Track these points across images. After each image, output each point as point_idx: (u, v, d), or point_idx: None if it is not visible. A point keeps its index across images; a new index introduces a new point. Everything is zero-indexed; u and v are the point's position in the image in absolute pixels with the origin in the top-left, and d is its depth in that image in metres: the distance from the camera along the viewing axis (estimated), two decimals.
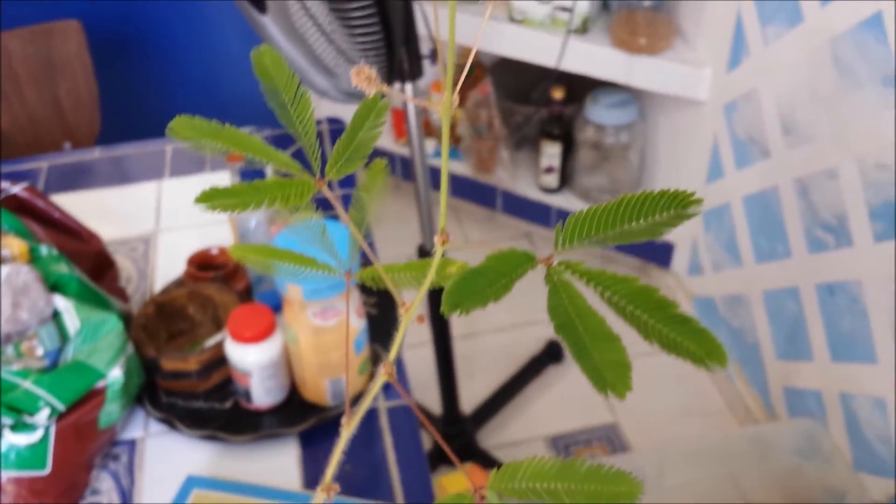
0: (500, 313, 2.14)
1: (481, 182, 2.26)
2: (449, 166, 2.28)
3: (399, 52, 1.21)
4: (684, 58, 1.71)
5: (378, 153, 2.37)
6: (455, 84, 0.32)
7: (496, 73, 2.24)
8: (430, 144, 2.32)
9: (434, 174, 2.27)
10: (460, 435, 1.78)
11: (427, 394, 1.83)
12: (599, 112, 1.99)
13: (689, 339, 0.27)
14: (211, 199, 0.34)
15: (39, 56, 1.57)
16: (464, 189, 2.32)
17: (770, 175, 1.56)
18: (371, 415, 0.93)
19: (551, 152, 2.12)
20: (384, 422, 0.92)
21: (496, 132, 2.18)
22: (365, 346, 0.92)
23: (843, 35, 1.28)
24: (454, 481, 1.64)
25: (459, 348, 1.97)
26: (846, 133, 1.31)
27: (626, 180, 2.11)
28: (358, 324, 0.88)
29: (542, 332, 2.08)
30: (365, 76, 0.32)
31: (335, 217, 1.16)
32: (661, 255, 2.08)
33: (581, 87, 2.05)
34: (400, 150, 2.37)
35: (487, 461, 1.77)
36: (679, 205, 0.28)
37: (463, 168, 2.27)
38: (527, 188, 2.22)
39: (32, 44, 1.56)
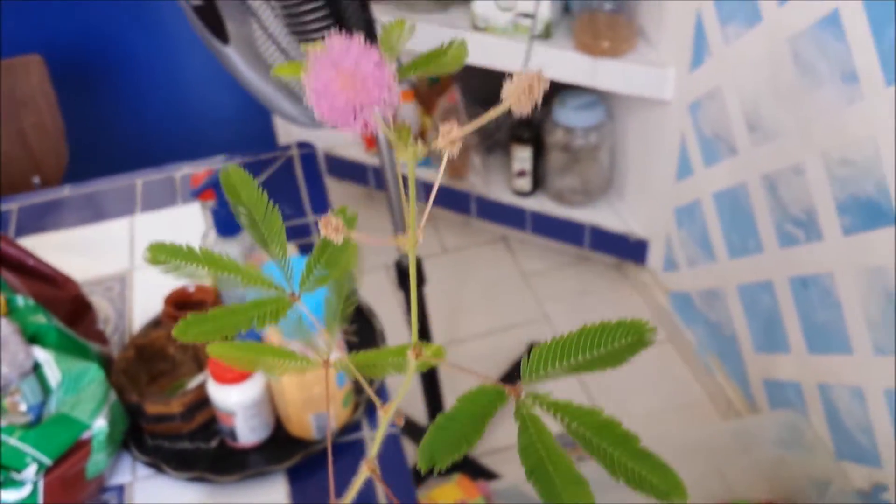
0: (481, 319, 2.16)
1: (455, 188, 2.27)
2: (422, 174, 2.29)
3: None
4: (647, 59, 1.73)
5: (349, 164, 2.37)
6: (419, 223, 0.32)
7: (463, 80, 2.25)
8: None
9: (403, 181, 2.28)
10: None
11: (412, 404, 1.83)
12: (567, 114, 2.00)
13: (652, 473, 0.29)
14: (188, 329, 0.34)
15: (2, 92, 1.56)
16: (438, 196, 2.33)
17: (738, 171, 1.58)
18: (357, 446, 0.93)
19: (522, 156, 2.13)
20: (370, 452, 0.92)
21: (466, 139, 2.19)
22: (347, 378, 0.93)
23: (802, 33, 1.29)
24: (444, 493, 1.65)
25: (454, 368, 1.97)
26: (810, 129, 1.33)
27: (597, 180, 2.13)
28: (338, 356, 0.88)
29: (523, 334, 2.09)
30: (332, 227, 0.32)
31: (310, 246, 1.16)
32: (635, 252, 2.09)
33: (548, 91, 2.06)
34: (371, 160, 2.37)
35: (476, 470, 1.78)
36: (637, 333, 0.29)
37: (434, 175, 2.28)
38: (500, 192, 2.23)
39: None
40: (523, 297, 2.21)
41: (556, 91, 2.03)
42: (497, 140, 2.28)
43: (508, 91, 0.32)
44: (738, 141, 1.55)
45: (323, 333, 0.41)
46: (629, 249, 2.10)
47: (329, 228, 0.33)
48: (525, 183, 2.18)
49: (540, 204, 2.19)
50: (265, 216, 0.38)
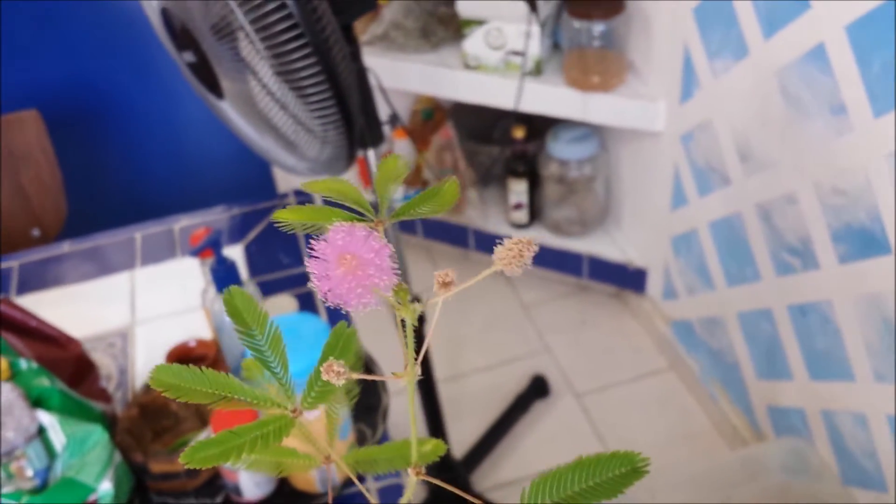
0: (482, 352, 2.16)
1: (452, 222, 2.28)
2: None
3: (358, 122, 1.22)
4: (637, 92, 1.75)
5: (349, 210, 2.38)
6: (416, 358, 0.34)
7: (457, 116, 2.27)
8: (399, 190, 2.33)
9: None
10: (454, 480, 1.79)
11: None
12: (561, 148, 2.02)
13: None
14: (195, 455, 0.35)
15: (1, 148, 1.57)
16: (436, 230, 2.34)
17: (732, 201, 1.60)
18: (360, 498, 0.94)
19: (518, 189, 2.14)
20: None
21: (462, 173, 2.21)
22: (350, 430, 0.93)
23: (789, 67, 1.31)
24: None
25: (445, 391, 1.97)
26: (801, 159, 1.35)
27: (593, 210, 2.14)
28: (342, 413, 0.89)
29: (526, 368, 2.10)
30: (335, 372, 0.33)
31: (309, 294, 1.17)
32: (635, 281, 2.10)
33: (542, 124, 2.08)
34: (367, 196, 2.38)
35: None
36: (630, 462, 0.30)
37: (430, 211, 2.29)
38: (497, 225, 2.25)
39: None
40: (524, 328, 2.22)
41: (550, 125, 2.05)
42: (493, 174, 2.30)
43: (499, 255, 0.34)
44: (730, 171, 1.57)
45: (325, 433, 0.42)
46: (628, 278, 2.11)
47: (331, 374, 0.34)
48: (522, 215, 2.20)
49: (537, 235, 2.20)
50: (268, 338, 0.39)
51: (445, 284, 0.34)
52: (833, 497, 1.51)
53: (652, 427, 1.95)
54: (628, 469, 0.30)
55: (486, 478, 1.88)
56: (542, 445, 1.94)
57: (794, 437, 1.60)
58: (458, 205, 2.25)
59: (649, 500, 1.57)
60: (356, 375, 0.35)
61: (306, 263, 0.33)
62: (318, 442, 0.42)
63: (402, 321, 0.36)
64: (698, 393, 1.94)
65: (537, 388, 2.02)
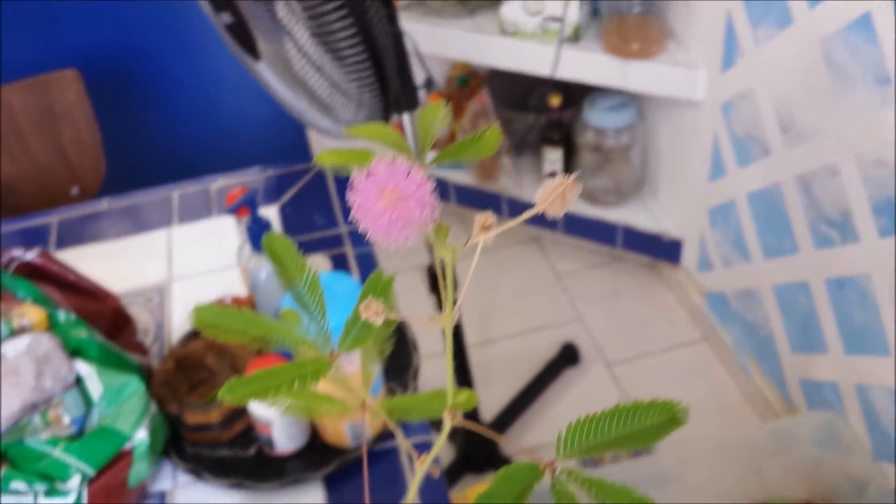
0: (513, 319, 2.16)
1: (486, 190, 2.28)
2: (453, 177, 2.30)
3: (394, 86, 1.22)
4: (677, 60, 1.72)
5: None
6: (455, 302, 0.34)
7: (493, 83, 2.25)
8: (431, 155, 2.33)
9: (439, 186, 2.29)
10: (483, 444, 1.80)
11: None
12: (598, 116, 2.00)
13: None
14: (234, 391, 0.36)
15: (40, 107, 1.59)
16: (469, 198, 2.33)
17: (772, 172, 1.57)
18: (392, 454, 0.95)
19: (553, 158, 2.13)
20: (404, 460, 0.94)
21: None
22: (381, 387, 0.94)
23: (833, 36, 1.28)
24: (479, 492, 1.67)
25: (475, 356, 1.98)
26: (844, 131, 1.32)
27: (629, 180, 2.12)
28: (374, 369, 0.90)
29: (557, 335, 2.10)
30: (373, 311, 0.33)
31: (342, 256, 1.18)
32: (669, 251, 2.09)
33: (578, 92, 2.06)
34: None
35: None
36: (669, 412, 0.30)
37: (466, 177, 2.29)
38: (532, 193, 2.23)
39: (33, 95, 1.58)
40: (556, 297, 2.21)
41: (587, 93, 2.03)
42: (528, 142, 2.28)
43: (541, 196, 0.33)
44: (771, 142, 1.54)
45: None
46: (663, 249, 2.10)
47: (370, 312, 0.34)
48: None
49: (572, 205, 2.19)
50: (305, 280, 0.39)
51: (486, 227, 0.34)
52: (864, 471, 1.49)
53: (682, 398, 1.93)
54: (666, 418, 0.30)
55: (514, 442, 1.89)
56: (571, 412, 1.93)
57: (827, 410, 1.58)
58: (491, 172, 2.25)
59: (679, 469, 1.57)
60: (393, 315, 0.35)
61: (348, 197, 0.33)
62: (354, 389, 0.42)
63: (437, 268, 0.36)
64: (731, 365, 1.93)
65: (568, 356, 2.02)
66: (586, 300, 2.20)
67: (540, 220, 2.29)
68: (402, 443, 0.38)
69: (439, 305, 1.61)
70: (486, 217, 0.34)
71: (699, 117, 1.77)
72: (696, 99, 1.73)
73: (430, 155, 0.36)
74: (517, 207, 2.26)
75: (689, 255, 2.04)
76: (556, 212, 0.33)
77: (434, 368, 1.96)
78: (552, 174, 2.16)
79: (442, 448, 0.96)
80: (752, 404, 1.88)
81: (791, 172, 1.50)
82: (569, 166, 2.15)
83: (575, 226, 2.20)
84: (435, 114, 0.40)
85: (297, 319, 0.40)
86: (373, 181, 0.33)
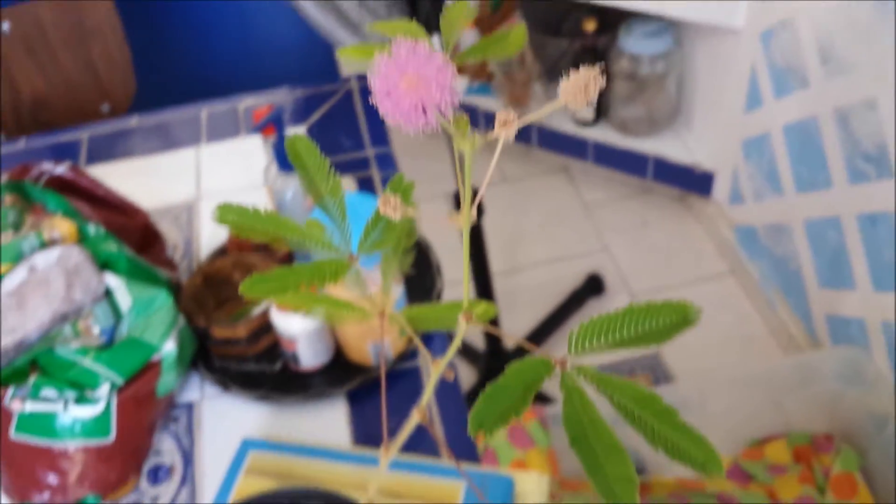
0: (539, 248, 2.16)
1: None
2: (481, 102, 2.27)
3: (424, 5, 1.20)
4: None
5: None
6: (473, 199, 0.33)
7: (526, 7, 2.21)
8: (462, 81, 2.31)
9: (463, 110, 2.27)
10: (504, 370, 1.82)
11: (470, 330, 1.86)
12: (634, 42, 1.96)
13: (691, 445, 0.30)
14: (253, 286, 0.36)
15: (71, 22, 1.59)
16: None
17: (809, 104, 1.54)
18: (413, 374, 0.96)
19: None
20: (426, 378, 0.95)
21: (528, 67, 2.16)
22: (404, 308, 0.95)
23: None
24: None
25: (500, 284, 1.99)
26: (885, 64, 1.28)
27: (663, 110, 2.09)
28: (395, 290, 0.91)
29: (582, 266, 2.10)
30: (391, 205, 0.33)
31: (369, 179, 1.18)
32: (701, 184, 2.06)
33: (614, 17, 2.01)
34: None
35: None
36: (682, 313, 0.30)
37: (495, 104, 2.26)
38: (562, 122, 2.21)
39: (63, 11, 1.58)
40: (584, 227, 2.21)
41: (623, 18, 1.98)
42: (560, 68, 2.24)
43: (564, 88, 0.32)
44: (810, 73, 1.50)
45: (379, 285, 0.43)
46: (694, 181, 2.07)
47: (388, 207, 0.34)
48: (588, 112, 2.15)
49: (603, 133, 2.16)
50: (328, 183, 0.39)
51: (506, 123, 0.33)
52: (886, 408, 1.49)
53: (706, 330, 1.94)
54: (679, 318, 0.30)
55: None
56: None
57: (851, 346, 1.58)
58: (522, 99, 2.22)
59: (698, 399, 1.58)
60: (412, 212, 0.35)
61: (369, 79, 0.33)
62: (374, 296, 0.42)
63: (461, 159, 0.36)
64: (757, 299, 1.92)
65: (592, 286, 2.02)
66: (614, 231, 2.19)
67: (570, 149, 2.27)
68: (423, 351, 0.38)
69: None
70: (507, 113, 0.33)
71: (738, 46, 1.72)
72: (736, 26, 1.69)
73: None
74: (547, 136, 2.23)
75: (720, 188, 2.02)
76: (579, 105, 0.32)
77: (453, 295, 1.97)
78: None
79: (464, 373, 0.97)
80: (776, 339, 1.88)
81: (829, 105, 1.47)
82: (602, 94, 2.12)
83: (605, 156, 2.18)
84: (460, 11, 0.39)
85: (321, 229, 0.40)
86: (394, 64, 0.32)
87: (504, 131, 0.33)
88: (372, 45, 0.37)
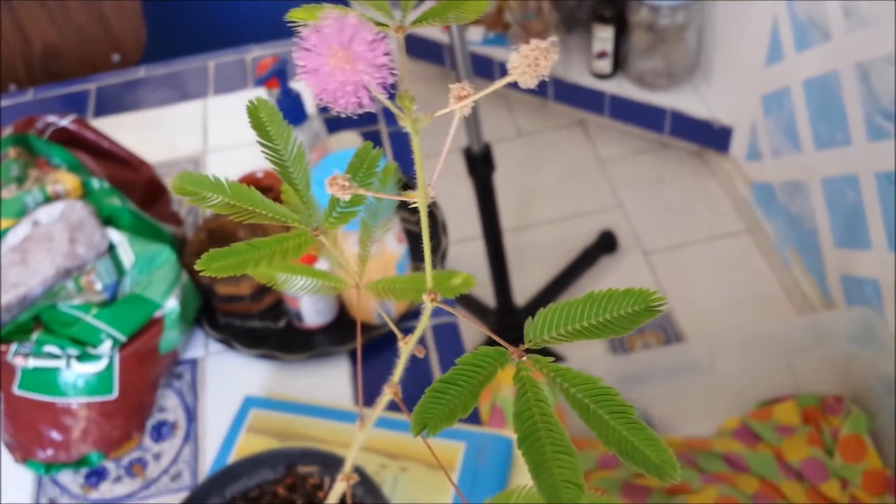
0: (552, 204, 2.14)
1: None
2: (497, 53, 2.23)
3: None
4: None
5: (425, 43, 2.33)
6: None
7: None
8: (477, 32, 2.27)
9: (477, 62, 2.23)
10: (514, 327, 1.82)
11: (480, 287, 1.86)
12: None
13: (646, 446, 0.28)
14: (212, 262, 0.35)
15: None
16: None
17: (830, 59, 1.50)
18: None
19: (603, 36, 2.05)
20: (430, 340, 0.95)
21: (545, 17, 2.12)
22: (407, 268, 0.94)
23: None
24: (508, 373, 1.70)
25: (511, 240, 1.98)
26: None
27: (682, 63, 2.05)
28: (399, 249, 0.90)
29: (596, 222, 2.08)
30: (338, 185, 0.32)
31: (376, 133, 1.16)
32: (718, 139, 2.03)
33: None
34: (447, 39, 2.32)
35: (541, 352, 1.81)
36: (644, 301, 0.28)
37: (506, 54, 2.22)
38: (579, 74, 2.17)
39: None
40: (598, 183, 2.18)
41: None
42: (578, 18, 2.20)
43: (513, 63, 0.30)
44: (832, 26, 1.46)
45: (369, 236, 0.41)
46: (712, 136, 2.04)
47: (335, 187, 0.33)
48: (605, 65, 2.11)
49: (620, 87, 2.12)
50: (290, 152, 0.38)
51: (461, 97, 0.31)
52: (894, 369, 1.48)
53: (719, 289, 1.93)
54: (641, 307, 0.29)
55: None
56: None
57: (865, 307, 1.56)
58: None
59: (708, 359, 1.58)
60: (362, 190, 0.34)
61: (294, 56, 0.31)
62: (349, 267, 0.42)
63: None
64: (772, 258, 1.90)
65: (605, 243, 2.01)
66: (628, 187, 2.16)
67: (586, 103, 2.23)
68: (393, 329, 0.37)
69: (477, 187, 1.59)
70: (461, 87, 0.31)
71: None
72: None
73: (412, 16, 0.33)
74: (563, 89, 2.20)
75: (738, 144, 1.98)
76: (528, 83, 0.30)
77: (464, 252, 1.96)
78: (601, 54, 2.09)
79: (470, 332, 0.96)
80: (789, 298, 1.86)
81: (850, 60, 1.43)
82: (619, 46, 2.08)
83: (622, 110, 2.14)
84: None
85: (297, 197, 0.39)
86: (321, 38, 0.30)
87: (459, 106, 0.31)
88: (322, 5, 0.34)
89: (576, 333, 0.30)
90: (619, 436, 0.28)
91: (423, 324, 0.35)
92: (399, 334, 0.36)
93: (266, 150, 0.38)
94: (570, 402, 0.29)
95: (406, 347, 0.35)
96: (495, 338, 0.31)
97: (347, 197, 0.33)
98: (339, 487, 0.41)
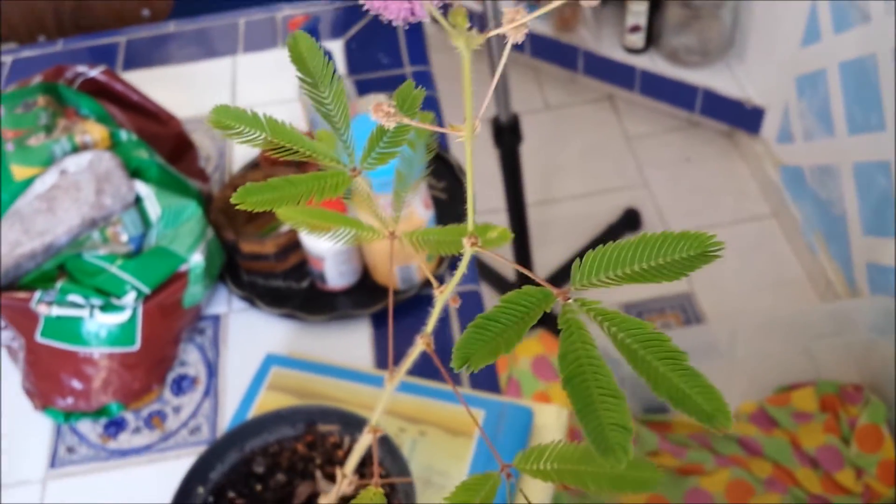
0: (577, 180, 2.12)
1: (562, 42, 2.19)
2: (529, 25, 2.21)
3: None
4: None
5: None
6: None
7: None
8: (509, 4, 2.24)
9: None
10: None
11: (501, 260, 1.84)
12: None
13: (698, 393, 0.26)
14: (247, 196, 0.34)
15: None
16: (544, 49, 2.25)
17: (869, 41, 1.47)
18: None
19: (637, 10, 2.02)
20: (451, 307, 0.94)
21: None
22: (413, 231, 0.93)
23: None
24: (526, 347, 1.69)
25: (535, 215, 1.97)
26: None
27: (716, 40, 2.01)
28: (425, 214, 0.89)
29: (619, 200, 2.06)
30: (383, 112, 0.31)
31: None
32: (750, 120, 2.00)
33: None
34: (479, 7, 2.29)
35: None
36: (700, 246, 0.27)
37: (543, 27, 2.20)
38: (610, 48, 2.14)
39: None
40: (624, 160, 2.16)
41: None
42: None
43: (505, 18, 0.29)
44: (872, 6, 1.43)
45: (395, 198, 0.41)
46: (743, 117, 2.01)
47: (380, 113, 0.32)
48: (638, 39, 2.08)
49: (652, 63, 2.09)
50: (331, 90, 0.37)
51: (515, 21, 0.30)
52: None
53: (743, 272, 1.91)
54: (697, 252, 0.27)
55: None
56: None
57: (889, 296, 1.54)
58: (570, 23, 2.15)
59: (729, 341, 1.57)
60: (407, 120, 0.33)
61: None
62: (381, 214, 0.41)
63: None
64: (797, 243, 1.88)
65: (628, 221, 1.99)
66: (655, 166, 2.14)
67: (616, 78, 2.21)
68: (430, 277, 0.36)
69: (503, 158, 1.57)
70: (515, 10, 0.30)
71: None
72: None
73: None
74: (593, 62, 2.17)
75: (769, 125, 1.95)
76: (518, 38, 0.29)
77: (494, 223, 1.95)
78: (635, 28, 2.06)
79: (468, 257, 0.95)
80: (813, 284, 1.84)
81: (889, 43, 1.40)
82: (653, 20, 2.04)
83: (652, 86, 2.11)
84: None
85: (333, 142, 0.38)
86: None
87: (513, 30, 0.30)
88: None
89: (626, 277, 0.29)
90: (669, 382, 0.27)
91: (462, 270, 0.34)
92: (434, 282, 0.35)
93: (305, 86, 0.37)
94: (618, 348, 0.28)
95: (441, 296, 0.34)
96: (539, 280, 0.30)
97: (392, 124, 0.32)
98: (366, 439, 0.41)
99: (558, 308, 0.30)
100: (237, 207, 0.34)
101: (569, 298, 0.30)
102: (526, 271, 0.31)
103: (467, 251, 0.33)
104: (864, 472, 1.40)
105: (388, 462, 0.62)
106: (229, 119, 0.35)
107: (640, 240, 0.28)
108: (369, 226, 0.41)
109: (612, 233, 1.97)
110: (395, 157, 0.37)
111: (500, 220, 1.71)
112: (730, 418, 0.26)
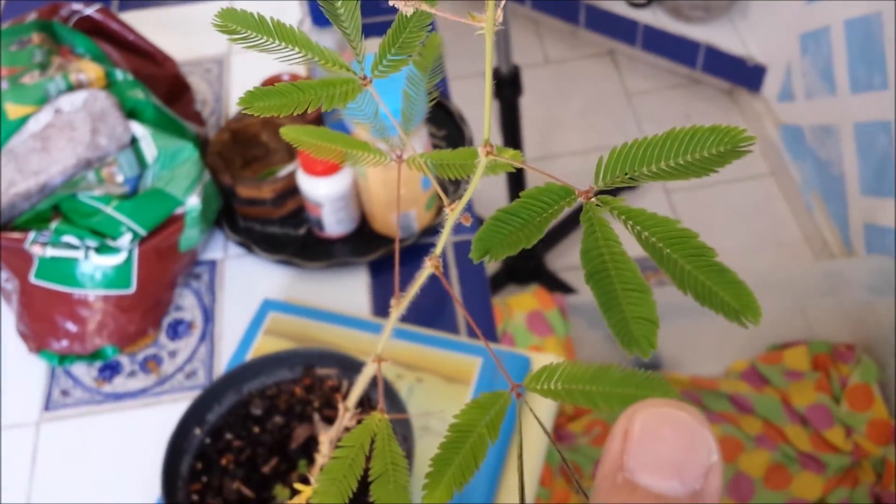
0: (576, 136, 2.11)
1: None
2: None
3: None
4: None
5: None
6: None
7: None
8: None
9: None
10: (529, 257, 1.81)
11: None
12: None
13: (725, 290, 0.25)
14: (253, 101, 0.33)
15: None
16: (545, 1, 2.22)
17: None
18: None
19: None
20: (451, 256, 0.94)
21: None
22: (432, 185, 0.92)
23: None
24: (521, 301, 1.69)
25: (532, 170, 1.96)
26: None
27: None
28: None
29: None
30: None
31: None
32: (751, 77, 1.98)
33: None
34: None
35: (554, 283, 1.80)
36: (731, 141, 0.25)
37: None
38: (613, 2, 2.11)
39: None
40: (624, 116, 2.14)
41: None
42: None
43: None
44: None
45: (401, 129, 0.40)
46: (745, 74, 1.99)
47: (399, 1, 0.30)
48: None
49: (654, 17, 2.07)
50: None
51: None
52: None
53: (739, 231, 1.91)
54: (728, 148, 0.26)
55: (560, 258, 1.90)
56: (623, 234, 1.93)
57: (885, 255, 1.54)
58: None
59: None
60: (425, 6, 0.31)
61: None
62: (389, 142, 0.40)
63: None
64: (795, 203, 1.87)
65: None
66: (654, 122, 2.12)
67: (618, 32, 2.18)
68: (440, 193, 0.35)
69: (502, 111, 1.55)
70: None
71: None
72: None
73: None
74: (595, 16, 2.14)
75: (771, 83, 1.94)
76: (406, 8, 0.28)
77: (484, 181, 1.93)
78: None
79: (485, 275, 0.95)
80: (809, 244, 1.84)
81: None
82: None
83: (654, 42, 2.09)
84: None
85: (340, 66, 0.37)
86: None
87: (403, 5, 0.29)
88: None
89: (652, 175, 0.27)
90: (695, 280, 0.25)
91: (476, 182, 0.33)
92: (446, 199, 0.34)
93: None
94: (643, 246, 0.27)
95: (452, 213, 0.33)
96: (559, 180, 0.29)
97: (410, 10, 0.31)
98: (370, 369, 0.40)
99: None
100: (243, 111, 0.33)
101: (591, 198, 0.28)
102: (547, 174, 0.30)
103: (482, 162, 0.32)
104: (853, 431, 1.41)
105: (387, 405, 0.61)
106: (235, 23, 0.34)
107: (668, 135, 0.27)
108: (377, 148, 0.40)
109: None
110: (405, 66, 0.35)
111: (499, 177, 1.70)
112: (759, 314, 0.25)
